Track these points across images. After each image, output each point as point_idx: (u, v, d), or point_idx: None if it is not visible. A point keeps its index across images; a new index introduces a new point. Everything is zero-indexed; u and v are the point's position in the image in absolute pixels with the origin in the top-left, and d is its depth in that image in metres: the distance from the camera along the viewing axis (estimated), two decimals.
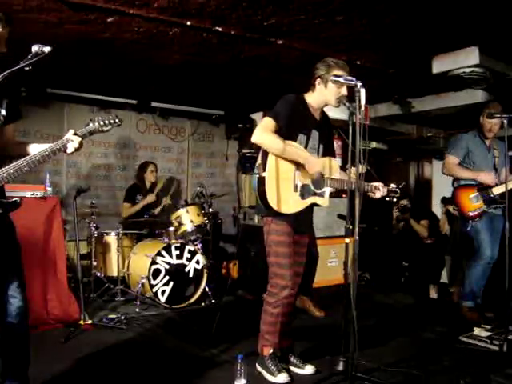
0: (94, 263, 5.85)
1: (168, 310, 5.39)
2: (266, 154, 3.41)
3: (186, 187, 8.36)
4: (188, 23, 4.15)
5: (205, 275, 5.70)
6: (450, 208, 6.76)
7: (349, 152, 3.22)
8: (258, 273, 5.88)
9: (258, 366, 3.63)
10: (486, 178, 4.93)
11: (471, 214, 4.96)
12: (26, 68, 2.54)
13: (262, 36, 4.49)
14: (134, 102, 7.39)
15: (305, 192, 3.52)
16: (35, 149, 2.72)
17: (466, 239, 5.16)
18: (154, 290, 5.37)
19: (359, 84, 3.13)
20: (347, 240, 3.35)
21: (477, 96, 6.15)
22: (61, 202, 5.25)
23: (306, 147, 3.53)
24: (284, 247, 3.51)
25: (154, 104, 7.57)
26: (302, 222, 3.61)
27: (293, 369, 3.71)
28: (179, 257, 5.60)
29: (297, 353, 3.83)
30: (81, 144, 2.76)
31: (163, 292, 5.43)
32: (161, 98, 7.44)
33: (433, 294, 6.60)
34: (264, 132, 3.36)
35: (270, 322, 3.58)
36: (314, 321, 5.11)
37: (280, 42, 4.61)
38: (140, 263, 5.57)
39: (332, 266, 6.89)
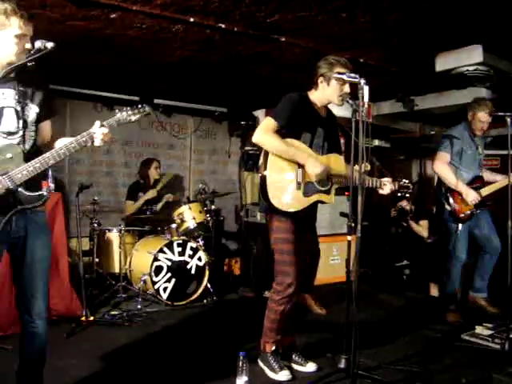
0: (96, 260, 5.85)
1: (170, 306, 5.39)
2: (267, 153, 3.42)
3: (189, 184, 8.35)
4: (191, 20, 4.14)
5: (207, 272, 5.70)
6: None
7: (351, 150, 3.22)
8: (260, 270, 5.90)
9: (259, 363, 3.64)
10: (469, 195, 4.86)
11: (463, 215, 4.94)
12: (29, 64, 2.55)
13: (265, 33, 4.48)
14: (137, 98, 7.36)
15: (308, 190, 3.50)
16: (61, 142, 2.72)
17: (448, 239, 5.11)
18: (156, 286, 5.38)
19: (362, 81, 3.13)
20: (349, 237, 3.35)
21: (480, 94, 6.12)
22: (63, 199, 5.25)
23: (310, 145, 3.52)
24: (289, 244, 3.51)
25: (156, 101, 7.55)
26: (305, 218, 3.62)
27: (294, 366, 3.71)
28: (181, 254, 5.60)
29: (298, 350, 3.83)
30: (107, 136, 2.69)
31: (165, 289, 5.43)
32: (164, 94, 7.44)
33: (434, 292, 6.59)
34: (264, 132, 3.36)
35: (274, 319, 3.58)
36: (316, 318, 5.11)
37: (283, 39, 4.60)
38: (142, 260, 5.57)
39: (334, 263, 6.89)
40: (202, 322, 4.89)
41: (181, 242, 5.64)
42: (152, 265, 5.37)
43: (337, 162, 3.66)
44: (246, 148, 8.36)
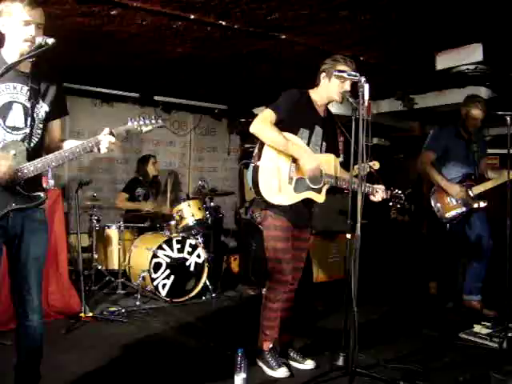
0: (95, 256, 5.85)
1: (168, 303, 5.40)
2: (262, 143, 3.42)
3: (188, 181, 8.36)
4: (192, 17, 4.13)
5: (206, 269, 5.71)
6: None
7: (351, 149, 3.22)
8: (259, 267, 5.90)
9: (258, 361, 3.65)
10: (451, 190, 4.88)
11: (449, 215, 4.94)
12: (30, 60, 2.55)
13: (266, 30, 4.47)
14: (137, 95, 7.37)
15: (299, 186, 3.49)
16: (69, 144, 2.72)
17: (443, 240, 5.14)
18: (155, 283, 5.39)
19: (363, 79, 3.14)
20: (348, 236, 3.35)
21: (480, 93, 6.11)
22: (62, 195, 5.26)
23: (308, 143, 3.52)
24: (282, 242, 3.51)
25: (156, 98, 7.55)
26: (301, 216, 3.61)
27: (293, 363, 3.72)
28: (180, 250, 5.61)
29: (297, 348, 3.85)
30: (114, 144, 2.64)
31: (164, 285, 5.44)
32: (163, 91, 7.43)
33: (433, 291, 6.59)
34: (262, 123, 3.37)
35: (270, 316, 3.59)
36: (315, 316, 5.11)
37: (283, 36, 4.59)
38: (141, 256, 5.58)
39: (333, 261, 6.88)
40: (201, 319, 4.90)
41: (180, 238, 5.64)
42: (151, 261, 5.38)
43: (331, 163, 3.66)
44: (246, 145, 8.36)
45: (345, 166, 3.81)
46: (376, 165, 3.74)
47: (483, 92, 6.10)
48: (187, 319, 4.94)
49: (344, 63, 3.46)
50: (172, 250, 5.55)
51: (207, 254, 5.84)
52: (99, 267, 5.86)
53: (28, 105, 2.60)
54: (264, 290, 3.70)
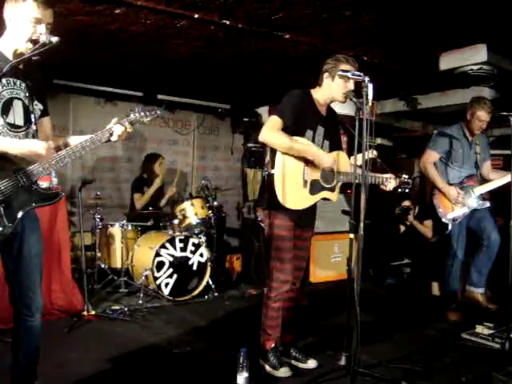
0: (98, 254, 5.86)
1: (171, 302, 5.41)
2: (274, 151, 3.43)
3: (191, 180, 8.36)
4: (195, 16, 4.14)
5: (208, 268, 5.71)
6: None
7: (354, 148, 3.23)
8: (262, 267, 5.90)
9: (260, 360, 3.64)
10: (450, 193, 4.88)
11: (450, 215, 4.94)
12: (34, 58, 2.54)
13: (269, 30, 4.48)
14: (141, 94, 7.37)
15: (314, 188, 3.52)
16: (74, 140, 2.72)
17: (444, 239, 5.15)
18: (158, 282, 5.39)
19: (367, 79, 3.13)
20: (351, 235, 3.35)
21: (484, 93, 6.11)
22: (66, 193, 5.27)
23: (312, 143, 3.53)
24: (285, 242, 3.52)
25: (160, 96, 7.55)
26: (304, 216, 3.60)
27: (295, 363, 3.71)
28: (183, 249, 5.61)
29: (299, 347, 3.84)
30: (125, 133, 2.76)
31: (167, 284, 5.44)
32: (167, 90, 7.44)
33: (435, 291, 6.59)
34: (270, 131, 3.37)
35: (272, 316, 3.59)
36: (317, 315, 5.11)
37: (287, 36, 4.60)
38: (144, 255, 5.59)
39: (336, 261, 6.89)
40: (203, 318, 4.90)
41: (183, 237, 5.64)
42: (154, 260, 5.38)
43: (342, 160, 3.67)
44: (249, 145, 8.36)
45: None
46: (372, 153, 3.74)
47: (487, 92, 6.09)
48: (190, 318, 4.94)
49: (347, 63, 3.46)
50: (175, 248, 5.55)
51: (210, 253, 5.84)
52: (102, 266, 5.87)
53: (26, 102, 2.59)
54: (265, 289, 3.70)
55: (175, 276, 5.50)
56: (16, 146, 2.44)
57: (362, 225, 3.17)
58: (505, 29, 4.33)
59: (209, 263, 5.73)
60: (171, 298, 5.42)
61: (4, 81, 2.48)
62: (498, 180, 4.90)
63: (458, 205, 4.89)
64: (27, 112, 2.60)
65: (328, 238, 6.71)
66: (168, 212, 6.46)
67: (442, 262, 5.13)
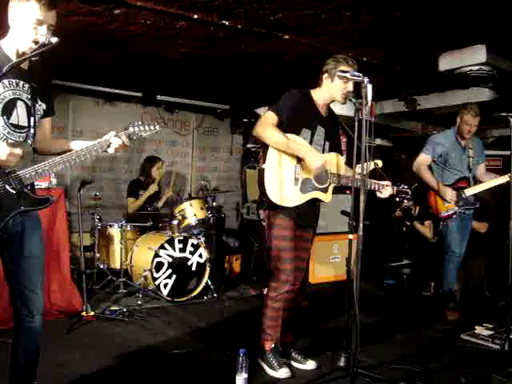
0: (97, 255, 5.86)
1: (170, 302, 5.40)
2: (266, 146, 3.43)
3: (190, 181, 8.36)
4: (195, 16, 4.14)
5: (207, 269, 5.71)
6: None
7: (354, 148, 3.22)
8: (261, 267, 5.90)
9: (259, 361, 3.64)
10: (443, 192, 5.03)
11: (443, 214, 5.06)
12: (33, 58, 2.53)
13: (269, 31, 4.47)
14: (140, 94, 7.38)
15: (305, 186, 3.51)
16: (75, 145, 2.71)
17: (440, 238, 5.34)
18: (157, 282, 5.39)
19: (366, 80, 3.13)
20: (351, 236, 3.35)
21: (483, 94, 6.13)
22: (65, 194, 5.26)
23: (310, 143, 3.52)
24: (285, 241, 3.52)
25: (159, 97, 7.56)
26: (304, 216, 3.60)
27: (294, 364, 3.72)
28: (182, 250, 5.61)
29: (298, 348, 3.84)
30: (122, 147, 2.76)
31: (166, 285, 5.44)
32: (166, 91, 7.44)
33: (431, 291, 6.60)
34: (265, 125, 3.38)
35: (272, 316, 3.59)
36: (317, 317, 5.11)
37: (286, 36, 4.59)
38: (143, 256, 5.58)
39: (335, 262, 6.88)
40: (202, 319, 4.90)
41: (182, 238, 5.64)
42: (153, 261, 5.38)
43: (336, 162, 3.67)
44: (248, 145, 8.36)
45: (347, 165, 3.81)
46: (379, 163, 3.74)
47: (486, 93, 6.10)
48: (189, 319, 4.94)
49: (346, 63, 3.46)
50: (174, 249, 5.55)
51: (209, 253, 5.84)
52: (101, 266, 5.87)
53: (29, 103, 2.58)
54: (265, 289, 3.69)
55: (174, 277, 5.50)
56: None
57: (361, 225, 3.16)
58: (504, 29, 4.32)
59: (208, 264, 5.72)
60: (170, 298, 5.42)
61: (6, 81, 2.47)
62: (489, 182, 5.05)
63: (450, 204, 5.03)
64: (30, 113, 2.59)
65: (327, 239, 6.71)
66: (167, 213, 6.46)
67: (440, 261, 5.20)
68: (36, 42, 2.45)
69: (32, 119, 2.59)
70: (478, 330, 4.45)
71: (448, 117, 7.41)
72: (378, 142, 8.56)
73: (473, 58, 4.90)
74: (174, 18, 4.20)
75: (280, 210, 3.48)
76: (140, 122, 2.84)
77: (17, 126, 2.53)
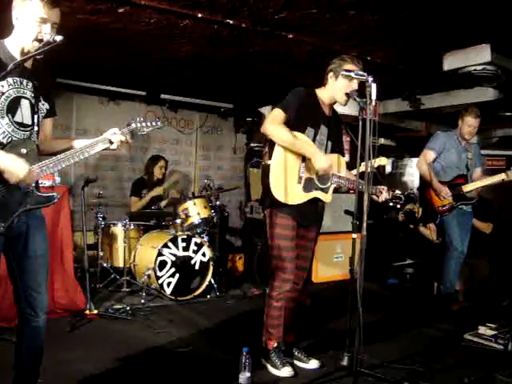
0: (101, 253, 5.87)
1: (173, 301, 5.41)
2: (273, 143, 3.44)
3: (194, 180, 8.36)
4: (199, 15, 4.14)
5: (211, 268, 5.71)
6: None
7: (357, 149, 3.22)
8: (264, 266, 5.90)
9: (262, 360, 3.65)
10: (439, 189, 5.24)
11: (441, 208, 5.27)
12: (38, 57, 2.53)
13: (273, 30, 4.47)
14: (144, 93, 7.39)
15: (308, 185, 3.51)
16: (79, 144, 2.71)
17: (441, 236, 5.55)
18: (160, 281, 5.39)
19: (370, 79, 3.13)
20: (354, 235, 3.34)
21: (487, 94, 6.12)
22: (68, 192, 5.27)
23: (313, 141, 3.52)
24: (287, 241, 3.52)
25: (163, 96, 7.56)
26: (307, 215, 3.60)
27: (297, 363, 3.72)
28: (185, 249, 5.61)
29: (301, 347, 3.84)
30: (123, 143, 2.74)
31: (169, 284, 5.45)
32: (170, 90, 7.44)
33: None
34: (273, 123, 3.38)
35: (274, 315, 3.59)
36: (319, 316, 5.11)
37: (291, 35, 4.59)
38: (146, 254, 5.59)
39: (338, 261, 6.88)
40: (205, 318, 4.90)
41: (185, 237, 5.64)
42: (156, 259, 5.39)
43: (338, 163, 3.67)
44: (252, 144, 8.36)
45: (350, 165, 3.81)
46: (383, 160, 3.74)
47: (490, 93, 6.09)
48: (192, 317, 4.94)
49: (351, 63, 3.47)
50: (177, 248, 5.55)
51: (212, 252, 5.84)
52: (104, 265, 5.88)
53: (33, 101, 2.58)
54: (268, 288, 3.69)
55: (177, 275, 5.50)
56: None
57: (364, 225, 3.16)
58: (509, 29, 4.32)
59: (211, 263, 5.73)
60: (173, 297, 5.42)
61: (10, 80, 2.47)
62: (486, 179, 5.21)
63: (446, 200, 5.22)
64: (34, 111, 2.59)
65: (331, 238, 6.71)
66: (170, 211, 6.46)
67: (442, 259, 5.28)
68: (40, 41, 2.45)
69: (36, 117, 2.59)
70: (482, 329, 4.44)
71: (452, 116, 7.40)
72: (382, 141, 8.55)
73: (477, 57, 4.90)
74: (178, 16, 4.20)
75: (281, 209, 3.48)
76: (142, 118, 2.85)
77: (21, 124, 2.53)
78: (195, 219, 5.94)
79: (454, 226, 5.23)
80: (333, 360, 3.71)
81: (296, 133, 3.41)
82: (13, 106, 2.49)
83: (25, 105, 2.54)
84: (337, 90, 3.52)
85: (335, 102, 3.66)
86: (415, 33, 4.51)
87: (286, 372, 3.50)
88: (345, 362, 3.49)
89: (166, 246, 5.47)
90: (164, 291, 5.41)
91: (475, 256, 5.58)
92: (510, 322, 4.14)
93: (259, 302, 4.00)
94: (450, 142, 5.31)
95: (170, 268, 5.47)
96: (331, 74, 3.53)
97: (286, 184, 3.42)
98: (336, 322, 4.76)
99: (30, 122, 2.57)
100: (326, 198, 3.64)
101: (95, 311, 4.73)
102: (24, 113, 2.54)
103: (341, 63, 3.48)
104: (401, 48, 4.95)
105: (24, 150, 2.47)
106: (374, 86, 3.11)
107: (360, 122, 3.21)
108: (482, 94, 6.17)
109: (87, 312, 4.67)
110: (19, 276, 2.64)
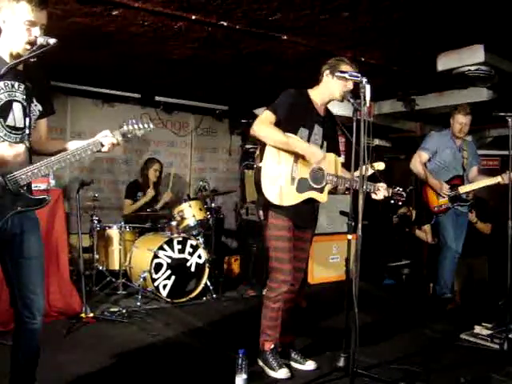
0: (96, 256, 5.83)
1: (169, 304, 5.40)
2: (263, 145, 3.43)
3: (189, 182, 8.35)
4: (193, 17, 4.14)
5: (206, 270, 5.71)
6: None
7: (352, 149, 3.23)
8: (260, 268, 5.90)
9: (259, 361, 3.64)
10: (437, 187, 5.22)
11: (436, 208, 5.27)
12: (31, 60, 2.52)
13: (267, 31, 4.48)
14: (138, 95, 7.37)
15: (301, 186, 3.50)
16: (72, 146, 2.70)
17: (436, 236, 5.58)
18: (156, 283, 5.38)
19: (364, 80, 3.13)
20: (349, 236, 3.35)
21: (481, 94, 6.13)
22: (63, 195, 5.26)
23: (308, 142, 3.52)
24: (283, 242, 3.51)
25: (157, 98, 7.56)
26: (302, 216, 3.60)
27: (294, 364, 3.71)
28: (181, 251, 5.60)
29: (298, 348, 3.84)
30: (114, 145, 2.72)
31: (165, 286, 5.44)
32: (165, 92, 7.44)
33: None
34: (262, 124, 3.38)
35: (271, 316, 3.59)
36: (316, 317, 5.11)
37: (285, 37, 4.60)
38: (142, 257, 5.58)
39: (334, 262, 6.89)
40: (202, 320, 4.89)
41: (181, 239, 5.64)
42: (152, 262, 5.38)
43: (333, 162, 3.67)
44: (247, 146, 8.36)
45: (346, 166, 3.81)
46: (381, 165, 3.75)
47: (484, 93, 6.11)
48: (188, 320, 4.93)
49: (346, 64, 3.48)
50: (173, 250, 5.55)
51: (208, 254, 5.84)
52: (100, 268, 5.85)
53: (25, 103, 2.57)
54: (264, 290, 3.69)
55: (173, 278, 5.49)
56: None
57: (360, 226, 3.16)
58: (502, 29, 4.33)
59: (207, 265, 5.72)
60: (169, 299, 5.42)
61: (1, 83, 2.46)
62: (482, 181, 5.17)
63: (444, 199, 5.21)
64: (26, 114, 2.57)
65: (326, 239, 6.72)
66: (166, 214, 6.46)
67: (437, 258, 5.31)
68: (31, 43, 2.44)
69: (27, 120, 2.58)
70: (478, 329, 4.45)
71: (446, 117, 7.41)
72: (377, 142, 8.56)
73: (471, 58, 4.91)
74: (173, 18, 4.20)
75: (277, 210, 3.48)
76: (134, 121, 2.82)
77: (13, 128, 2.52)
78: (191, 221, 5.94)
79: (448, 226, 5.23)
80: (329, 361, 3.71)
81: (287, 133, 3.40)
82: (5, 110, 2.48)
83: (17, 108, 2.53)
84: (332, 90, 3.53)
85: (329, 102, 3.66)
86: (409, 34, 4.52)
87: (282, 374, 3.49)
88: (341, 363, 3.49)
89: (161, 248, 5.47)
90: (160, 293, 5.40)
91: (474, 255, 5.60)
92: (505, 322, 4.14)
93: (255, 304, 4.00)
94: (445, 142, 5.30)
95: (166, 270, 5.47)
96: (326, 73, 3.53)
97: (279, 185, 3.41)
98: (332, 323, 4.76)
99: (22, 125, 2.56)
100: (322, 197, 3.63)
101: (91, 314, 4.72)
102: (16, 116, 2.53)
103: (335, 64, 3.49)
104: (395, 49, 4.96)
105: None
106: (368, 87, 3.11)
107: (354, 123, 3.21)
108: (476, 94, 6.18)
109: (83, 315, 4.65)
110: (15, 278, 2.63)
